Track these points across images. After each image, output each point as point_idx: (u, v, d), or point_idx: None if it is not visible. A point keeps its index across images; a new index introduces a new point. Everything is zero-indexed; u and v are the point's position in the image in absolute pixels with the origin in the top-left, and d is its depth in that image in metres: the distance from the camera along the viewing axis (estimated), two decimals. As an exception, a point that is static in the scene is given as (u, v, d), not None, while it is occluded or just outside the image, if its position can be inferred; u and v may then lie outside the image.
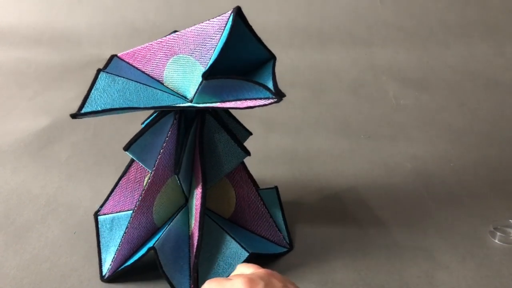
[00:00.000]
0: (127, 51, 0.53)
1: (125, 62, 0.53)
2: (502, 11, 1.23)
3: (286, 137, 0.86)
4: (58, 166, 0.76)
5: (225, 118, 0.55)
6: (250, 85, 0.45)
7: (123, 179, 0.58)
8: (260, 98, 0.44)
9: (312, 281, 0.53)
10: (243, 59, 0.50)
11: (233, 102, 0.46)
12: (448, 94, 1.04)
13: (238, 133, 0.57)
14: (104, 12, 1.29)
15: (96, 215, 0.60)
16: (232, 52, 0.48)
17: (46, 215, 0.64)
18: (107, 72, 0.48)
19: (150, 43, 0.52)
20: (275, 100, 0.44)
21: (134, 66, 0.53)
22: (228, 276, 0.50)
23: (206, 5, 1.26)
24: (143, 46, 0.52)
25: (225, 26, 0.46)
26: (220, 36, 0.46)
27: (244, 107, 0.45)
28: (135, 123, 0.90)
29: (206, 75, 0.44)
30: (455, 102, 1.00)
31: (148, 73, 0.53)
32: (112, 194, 0.60)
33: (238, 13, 0.46)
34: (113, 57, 0.53)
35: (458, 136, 0.86)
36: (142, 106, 0.46)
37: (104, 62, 0.51)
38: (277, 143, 0.84)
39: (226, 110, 0.56)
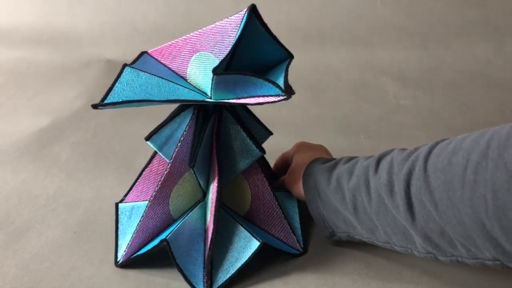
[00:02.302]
0: (156, 48, 0.55)
1: (154, 58, 0.55)
2: (502, 11, 1.23)
3: (286, 137, 0.86)
4: (58, 166, 0.76)
5: (244, 116, 0.56)
6: (261, 82, 0.45)
7: (146, 170, 0.59)
8: (271, 95, 0.45)
9: (312, 280, 0.53)
10: (260, 58, 0.51)
11: (247, 99, 0.46)
12: (448, 94, 1.04)
13: (258, 131, 0.58)
14: (104, 12, 1.29)
15: (117, 203, 0.62)
16: (248, 51, 0.49)
17: (46, 215, 0.64)
18: (132, 67, 0.50)
19: (176, 40, 0.53)
20: (285, 97, 0.44)
21: (161, 63, 0.55)
22: (241, 267, 0.51)
23: (206, 5, 1.26)
24: (170, 43, 0.54)
25: (240, 24, 0.47)
26: (236, 34, 0.47)
27: (254, 103, 0.46)
28: (135, 123, 0.91)
29: (217, 71, 0.45)
30: (455, 102, 1.00)
31: (174, 69, 0.54)
32: (136, 184, 0.61)
33: (253, 11, 0.46)
34: (143, 53, 0.55)
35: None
36: (157, 99, 0.47)
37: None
38: (277, 143, 0.84)
39: (246, 108, 0.57)
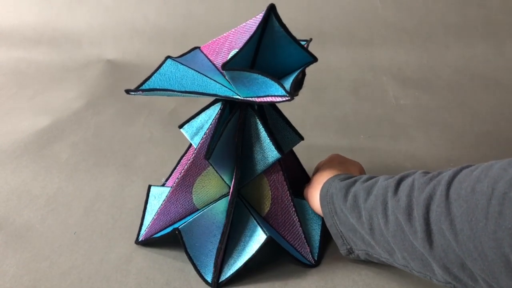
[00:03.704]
0: (205, 44, 0.56)
1: (203, 54, 0.57)
2: (502, 11, 1.23)
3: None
4: (58, 166, 0.76)
5: (273, 117, 0.56)
6: (268, 81, 0.45)
7: (184, 158, 0.61)
8: (277, 95, 0.45)
9: (312, 281, 0.53)
10: (283, 60, 0.50)
11: (255, 98, 0.47)
12: (448, 94, 1.04)
13: (287, 135, 0.57)
14: (104, 12, 1.29)
15: (150, 185, 0.65)
16: (270, 52, 0.49)
17: (46, 215, 0.64)
18: (173, 59, 0.52)
19: (219, 36, 0.54)
20: (288, 98, 0.44)
21: (208, 58, 0.56)
22: (247, 260, 0.51)
23: (206, 5, 1.26)
24: (215, 39, 0.55)
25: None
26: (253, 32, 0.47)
27: (259, 102, 0.46)
28: (135, 123, 0.91)
29: (226, 66, 0.45)
30: (455, 102, 1.00)
31: (217, 65, 0.55)
32: (174, 171, 0.64)
33: (272, 10, 0.46)
34: (194, 48, 0.57)
35: (458, 136, 0.86)
36: (178, 89, 0.48)
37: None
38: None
39: (277, 109, 0.57)
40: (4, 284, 0.52)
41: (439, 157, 0.79)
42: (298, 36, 0.50)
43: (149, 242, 0.57)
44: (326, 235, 0.58)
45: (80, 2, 1.30)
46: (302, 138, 0.58)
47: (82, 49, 1.24)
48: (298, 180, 0.63)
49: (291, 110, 0.97)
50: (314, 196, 0.55)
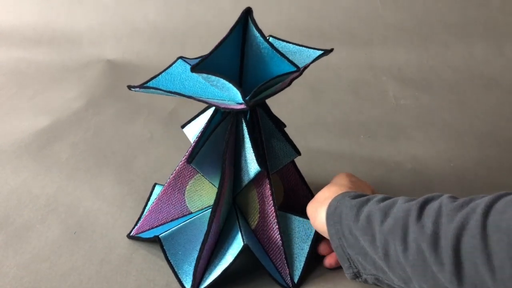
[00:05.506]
0: None
1: None
2: (502, 11, 1.23)
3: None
4: (58, 166, 0.76)
5: (270, 129, 0.54)
6: (231, 87, 0.44)
7: (184, 158, 0.59)
8: (238, 103, 0.45)
9: (312, 282, 0.53)
10: (268, 69, 0.48)
11: (216, 101, 0.46)
12: (448, 94, 1.04)
13: (282, 148, 0.55)
14: (104, 12, 1.29)
15: (155, 184, 0.67)
16: (253, 60, 0.48)
17: (46, 215, 0.64)
18: (183, 60, 0.52)
19: None
20: (243, 107, 0.45)
21: None
22: (225, 268, 0.50)
23: (206, 5, 1.26)
24: None
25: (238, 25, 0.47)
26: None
27: (222, 107, 0.46)
28: (135, 123, 0.91)
29: (195, 68, 0.43)
30: (455, 102, 1.00)
31: None
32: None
33: (248, 14, 0.45)
34: None
35: (458, 136, 0.86)
36: (165, 89, 0.48)
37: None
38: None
39: (276, 122, 0.55)
40: (5, 286, 0.52)
41: (439, 157, 0.79)
42: (299, 36, 0.50)
43: (139, 240, 0.58)
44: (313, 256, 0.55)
45: (80, 2, 1.30)
46: (299, 153, 0.56)
47: (82, 49, 1.23)
48: (295, 190, 0.61)
49: (290, 110, 0.97)
50: (319, 213, 0.49)
